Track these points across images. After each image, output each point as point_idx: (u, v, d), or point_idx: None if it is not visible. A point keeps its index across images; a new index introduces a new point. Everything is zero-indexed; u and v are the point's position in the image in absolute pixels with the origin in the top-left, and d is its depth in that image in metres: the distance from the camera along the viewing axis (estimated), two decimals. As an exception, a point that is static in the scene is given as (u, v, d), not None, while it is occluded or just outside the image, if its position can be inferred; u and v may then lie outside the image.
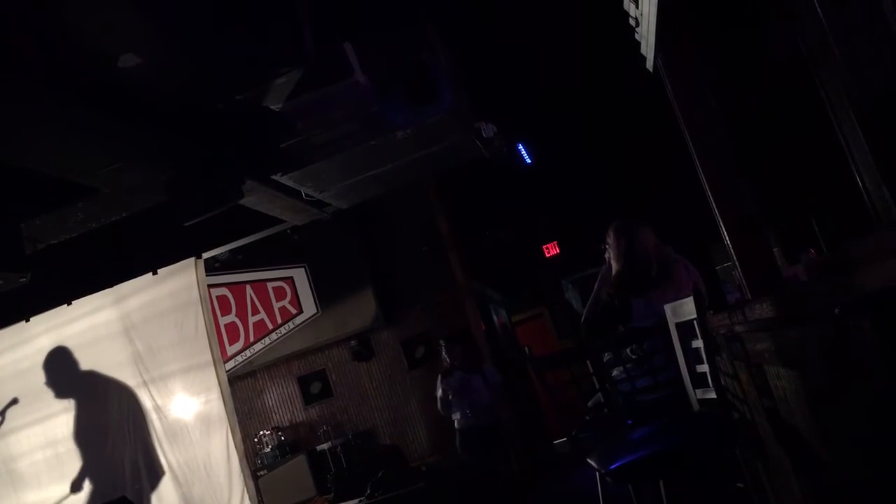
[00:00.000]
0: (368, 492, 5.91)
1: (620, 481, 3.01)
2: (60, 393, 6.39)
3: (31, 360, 6.46)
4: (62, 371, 6.41)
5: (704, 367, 3.20)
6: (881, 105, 1.77)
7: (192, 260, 6.55)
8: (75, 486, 6.30)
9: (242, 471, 6.25)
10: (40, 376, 6.36)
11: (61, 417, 6.39)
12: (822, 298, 1.64)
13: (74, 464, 6.35)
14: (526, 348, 6.37)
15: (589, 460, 3.28)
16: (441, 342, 6.98)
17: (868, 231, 2.13)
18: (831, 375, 1.87)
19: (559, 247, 12.45)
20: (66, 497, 6.29)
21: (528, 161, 9.38)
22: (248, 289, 8.09)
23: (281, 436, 7.85)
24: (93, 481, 6.31)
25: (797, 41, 2.11)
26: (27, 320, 6.62)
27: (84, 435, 6.38)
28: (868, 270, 1.43)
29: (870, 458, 1.81)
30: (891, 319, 1.35)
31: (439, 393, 6.75)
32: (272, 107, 4.66)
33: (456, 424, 6.75)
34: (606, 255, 4.41)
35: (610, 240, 4.35)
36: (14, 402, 6.14)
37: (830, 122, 2.15)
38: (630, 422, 3.74)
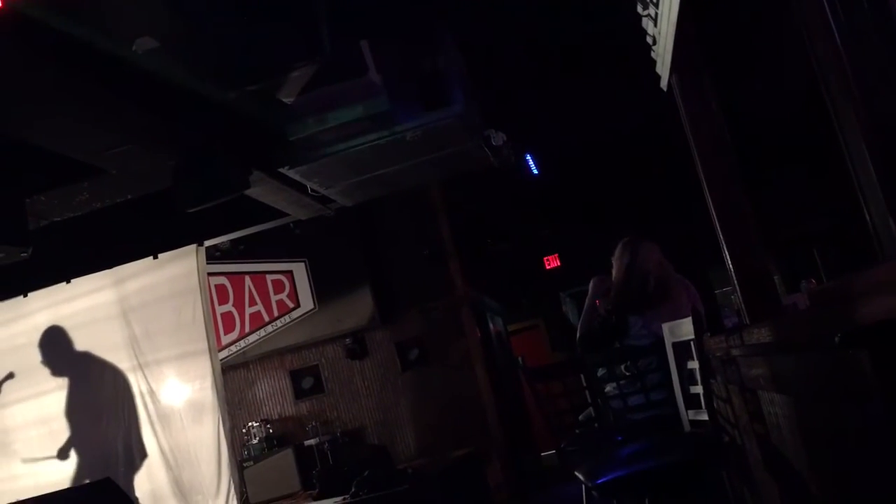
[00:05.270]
0: (353, 490, 5.88)
1: (606, 496, 3.01)
2: (55, 371, 6.40)
3: (28, 336, 6.47)
4: (58, 349, 6.41)
5: (698, 389, 3.20)
6: (894, 138, 1.78)
7: (193, 247, 6.56)
8: (67, 463, 6.31)
9: (230, 460, 6.26)
10: (36, 353, 6.37)
11: (55, 395, 6.40)
12: (822, 326, 1.64)
13: (67, 441, 6.36)
14: (520, 358, 6.35)
15: (576, 473, 3.28)
16: None
17: (872, 263, 2.14)
18: (826, 405, 1.87)
19: (560, 259, 12.45)
20: (57, 472, 6.30)
21: (536, 172, 9.38)
22: (247, 280, 8.09)
23: (269, 428, 7.84)
24: (85, 460, 6.32)
25: (813, 68, 2.11)
26: (25, 295, 6.63)
27: (77, 414, 6.39)
28: (870, 301, 1.43)
29: (860, 491, 1.81)
30: (890, 352, 1.35)
31: None
32: (284, 99, 4.68)
33: None
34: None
35: (617, 252, 4.39)
36: (10, 376, 6.15)
37: (840, 152, 2.15)
38: (620, 438, 3.75)
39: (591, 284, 4.54)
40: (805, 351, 1.89)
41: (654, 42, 3.69)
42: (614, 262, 4.39)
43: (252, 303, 8.08)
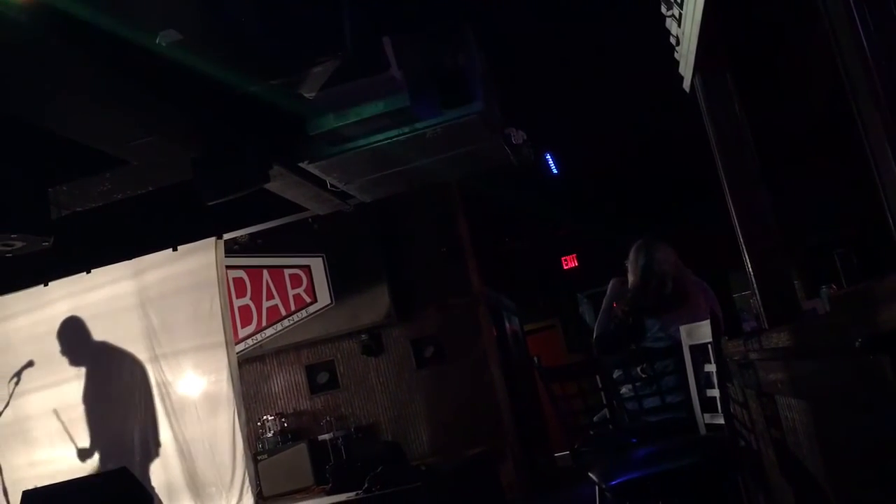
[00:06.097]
0: (366, 486, 5.90)
1: (620, 498, 3.00)
2: (74, 360, 6.46)
3: (48, 324, 6.54)
4: (77, 339, 6.48)
5: (715, 392, 3.18)
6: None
7: (212, 240, 6.60)
8: (84, 451, 6.37)
9: (245, 452, 6.29)
10: (55, 342, 6.43)
11: (74, 384, 6.46)
12: (842, 331, 1.63)
13: (84, 429, 6.43)
14: (535, 358, 6.32)
15: (590, 474, 3.27)
16: None
17: (893, 269, 2.11)
18: (844, 410, 1.86)
19: (578, 260, 12.40)
20: (74, 460, 6.36)
21: (555, 171, 9.34)
22: (265, 273, 8.12)
23: (284, 422, 7.88)
24: (101, 448, 6.39)
25: (839, 72, 2.09)
26: (45, 284, 6.70)
27: (95, 403, 6.45)
28: (891, 307, 1.42)
29: (878, 498, 1.79)
30: (911, 358, 1.33)
31: None
32: (306, 94, 4.69)
33: None
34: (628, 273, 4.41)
35: (631, 255, 4.35)
36: (30, 364, 6.21)
37: (864, 158, 2.13)
38: (634, 440, 3.73)
39: (609, 285, 4.52)
40: (824, 356, 1.87)
41: (678, 43, 3.67)
42: (629, 265, 4.35)
43: (269, 297, 8.11)
